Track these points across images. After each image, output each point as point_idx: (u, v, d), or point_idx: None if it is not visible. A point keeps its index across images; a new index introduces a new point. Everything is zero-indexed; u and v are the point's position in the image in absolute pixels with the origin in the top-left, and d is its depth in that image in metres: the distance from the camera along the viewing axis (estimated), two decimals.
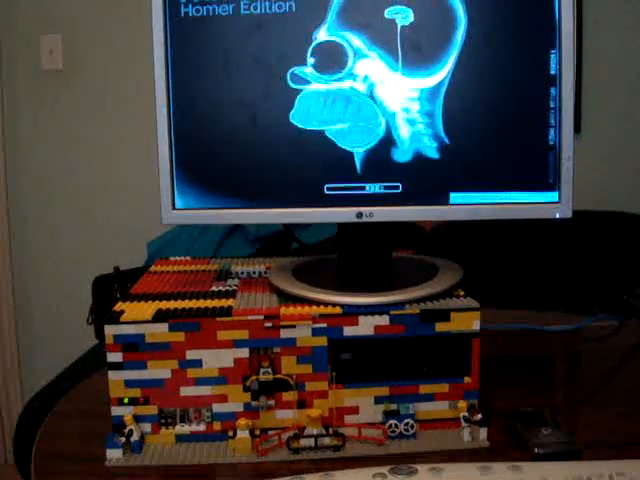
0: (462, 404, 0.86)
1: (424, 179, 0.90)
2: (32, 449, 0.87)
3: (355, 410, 0.86)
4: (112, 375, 0.84)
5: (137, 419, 0.84)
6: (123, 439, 0.82)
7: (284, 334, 0.84)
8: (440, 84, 0.89)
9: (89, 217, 2.53)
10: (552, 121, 0.90)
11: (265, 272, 1.05)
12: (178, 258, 1.16)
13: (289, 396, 0.85)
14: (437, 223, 2.16)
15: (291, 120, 0.89)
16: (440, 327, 0.86)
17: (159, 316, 0.84)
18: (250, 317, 0.84)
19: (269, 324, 0.84)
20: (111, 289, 1.91)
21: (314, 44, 0.88)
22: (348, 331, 0.85)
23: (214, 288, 0.96)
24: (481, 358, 0.87)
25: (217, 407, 0.85)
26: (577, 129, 2.31)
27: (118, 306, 0.88)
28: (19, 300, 2.59)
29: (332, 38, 0.88)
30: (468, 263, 0.99)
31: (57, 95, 2.47)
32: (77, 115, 2.48)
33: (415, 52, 0.88)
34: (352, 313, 0.84)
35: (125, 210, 2.50)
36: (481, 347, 0.87)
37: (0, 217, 2.49)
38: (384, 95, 0.89)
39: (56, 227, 2.54)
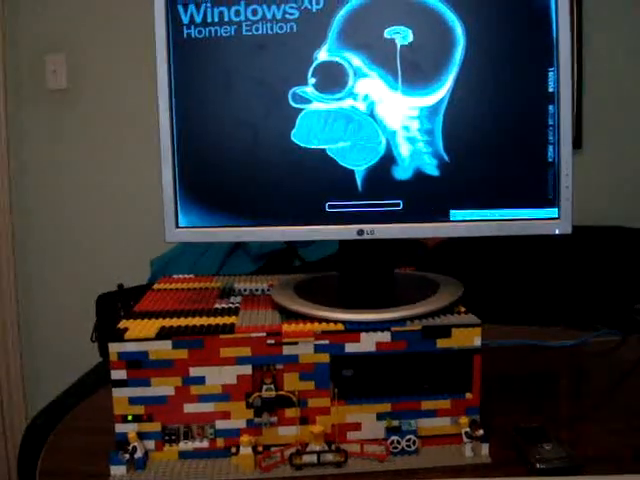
0: (464, 420, 0.86)
1: (424, 196, 0.91)
2: (36, 466, 0.87)
3: (357, 426, 0.87)
4: (116, 392, 0.85)
5: (141, 436, 0.85)
6: (127, 456, 0.83)
7: (286, 351, 0.85)
8: (440, 102, 0.90)
9: (93, 234, 2.54)
10: (551, 138, 0.91)
11: (267, 289, 1.06)
12: (181, 276, 1.17)
13: (292, 412, 0.86)
14: (441, 239, 2.17)
15: (292, 139, 0.90)
16: (441, 343, 0.86)
17: (163, 334, 0.84)
18: (253, 334, 0.84)
19: (271, 341, 0.84)
20: (115, 306, 1.91)
21: (315, 64, 0.89)
22: (350, 347, 0.85)
23: (217, 306, 0.97)
24: (482, 374, 0.87)
25: (220, 424, 0.86)
26: (578, 145, 2.32)
27: (122, 324, 0.88)
28: (23, 318, 2.59)
29: (333, 58, 0.89)
30: (470, 279, 1.00)
31: (61, 113, 2.49)
32: (81, 133, 2.50)
33: (415, 71, 0.89)
34: (354, 330, 0.85)
35: (129, 228, 2.51)
36: (482, 363, 0.87)
37: (4, 235, 2.51)
38: (384, 114, 0.90)
39: (60, 244, 2.55)
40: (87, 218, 2.54)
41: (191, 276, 1.17)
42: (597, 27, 2.31)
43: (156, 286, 1.10)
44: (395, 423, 0.86)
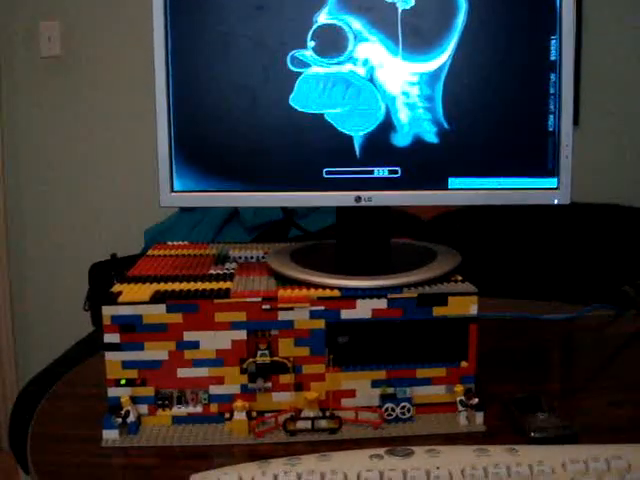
0: (459, 388, 0.86)
1: (423, 164, 0.90)
2: (28, 431, 0.87)
3: (352, 393, 0.86)
4: (109, 356, 0.84)
5: (134, 400, 0.84)
6: (120, 420, 0.82)
7: (282, 316, 0.84)
8: (440, 69, 0.89)
9: (86, 203, 2.53)
10: (552, 107, 0.90)
11: (263, 257, 1.05)
12: (176, 243, 1.16)
13: (286, 379, 0.85)
14: (435, 212, 2.17)
15: (291, 103, 0.89)
16: (437, 311, 0.86)
17: (157, 297, 0.84)
18: (248, 299, 0.84)
19: (267, 306, 0.84)
20: (108, 276, 1.91)
21: (314, 27, 0.88)
22: (346, 314, 0.85)
23: (212, 271, 0.96)
24: (477, 345, 0.87)
25: (214, 389, 0.85)
26: (575, 122, 2.31)
27: (116, 287, 0.88)
28: (15, 287, 2.58)
29: (333, 21, 0.88)
30: (464, 253, 0.99)
31: (56, 81, 2.47)
32: (75, 101, 2.48)
33: (415, 36, 0.88)
34: (350, 296, 0.85)
35: (123, 197, 2.50)
36: (477, 335, 0.87)
37: None
38: (384, 79, 0.89)
39: (53, 213, 2.54)
40: (80, 186, 2.52)
41: (186, 243, 1.16)
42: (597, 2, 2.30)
43: (150, 252, 1.09)
44: (390, 390, 0.86)
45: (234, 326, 0.84)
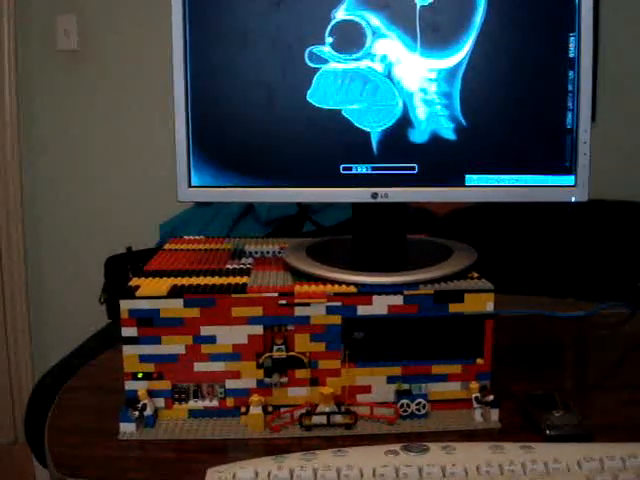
0: (474, 385, 0.86)
1: (440, 160, 0.90)
2: (44, 424, 0.87)
3: (367, 389, 0.87)
4: (127, 350, 0.84)
5: (151, 394, 0.85)
6: (136, 413, 0.83)
7: (298, 312, 0.84)
8: (458, 65, 0.88)
9: (102, 197, 2.54)
10: (570, 104, 0.90)
11: (279, 252, 1.05)
12: (192, 237, 1.16)
13: (302, 374, 0.86)
14: (452, 208, 2.16)
15: (308, 99, 0.89)
16: (453, 308, 0.86)
17: (174, 292, 0.84)
18: (265, 294, 0.84)
19: (283, 302, 0.84)
20: (123, 269, 1.92)
21: (332, 23, 0.88)
22: (362, 310, 0.85)
23: (228, 266, 0.96)
24: (493, 342, 0.87)
25: (230, 383, 0.86)
26: (592, 119, 2.29)
27: (133, 281, 0.88)
28: (31, 279, 2.60)
29: (351, 17, 0.88)
30: (480, 249, 0.99)
31: (72, 75, 2.47)
32: (91, 94, 2.49)
33: (434, 33, 0.88)
34: (366, 292, 0.85)
35: (138, 191, 2.51)
36: (493, 332, 0.87)
37: (13, 194, 2.51)
38: (402, 75, 0.89)
39: (69, 206, 2.55)
40: (97, 180, 2.53)
41: (201, 237, 1.16)
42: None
43: (167, 246, 1.10)
44: (405, 387, 0.86)
45: (251, 321, 0.84)
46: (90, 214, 2.54)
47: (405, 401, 0.85)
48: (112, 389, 0.91)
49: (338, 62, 0.89)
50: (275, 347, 0.85)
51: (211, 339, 0.84)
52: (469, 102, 0.89)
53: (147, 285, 0.86)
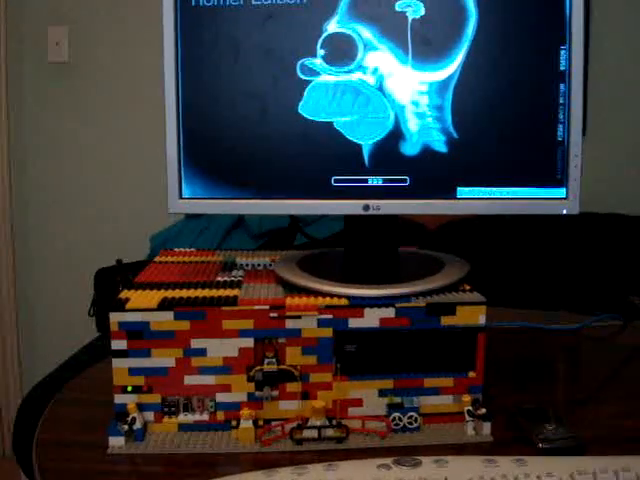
0: (466, 398, 0.85)
1: (432, 173, 0.90)
2: (32, 437, 0.86)
3: (359, 402, 0.86)
4: (116, 363, 0.84)
5: (140, 407, 0.84)
6: (126, 427, 0.82)
7: (289, 324, 0.84)
8: (450, 78, 0.89)
9: (92, 209, 2.52)
10: (561, 117, 0.90)
11: (269, 264, 1.05)
12: (182, 249, 1.16)
13: (293, 387, 0.85)
14: (444, 221, 2.16)
15: (300, 111, 0.89)
16: (446, 321, 0.85)
17: (164, 304, 0.83)
18: (256, 307, 0.83)
19: (274, 314, 0.84)
20: (113, 281, 1.91)
21: (324, 36, 0.88)
22: (354, 323, 0.84)
23: (219, 278, 0.96)
24: (485, 355, 0.87)
25: (221, 397, 0.85)
26: (582, 132, 2.30)
27: (123, 294, 0.88)
28: (20, 291, 2.58)
29: (342, 30, 0.88)
30: (472, 262, 0.99)
31: (63, 86, 2.47)
32: (82, 106, 2.48)
33: (425, 45, 0.88)
34: (358, 305, 0.84)
35: (129, 203, 2.50)
36: (485, 345, 0.86)
37: (2, 208, 2.49)
38: (393, 88, 0.89)
39: (59, 218, 2.54)
40: (86, 192, 2.52)
41: (192, 250, 1.16)
42: (603, 10, 2.30)
43: (157, 259, 1.09)
44: (397, 400, 0.86)
45: (241, 334, 0.84)
46: (80, 226, 2.53)
47: (397, 414, 0.84)
48: (101, 402, 0.90)
49: (330, 74, 0.89)
50: (266, 360, 0.84)
51: (201, 352, 0.84)
52: (460, 115, 0.89)
53: (137, 298, 0.86)
